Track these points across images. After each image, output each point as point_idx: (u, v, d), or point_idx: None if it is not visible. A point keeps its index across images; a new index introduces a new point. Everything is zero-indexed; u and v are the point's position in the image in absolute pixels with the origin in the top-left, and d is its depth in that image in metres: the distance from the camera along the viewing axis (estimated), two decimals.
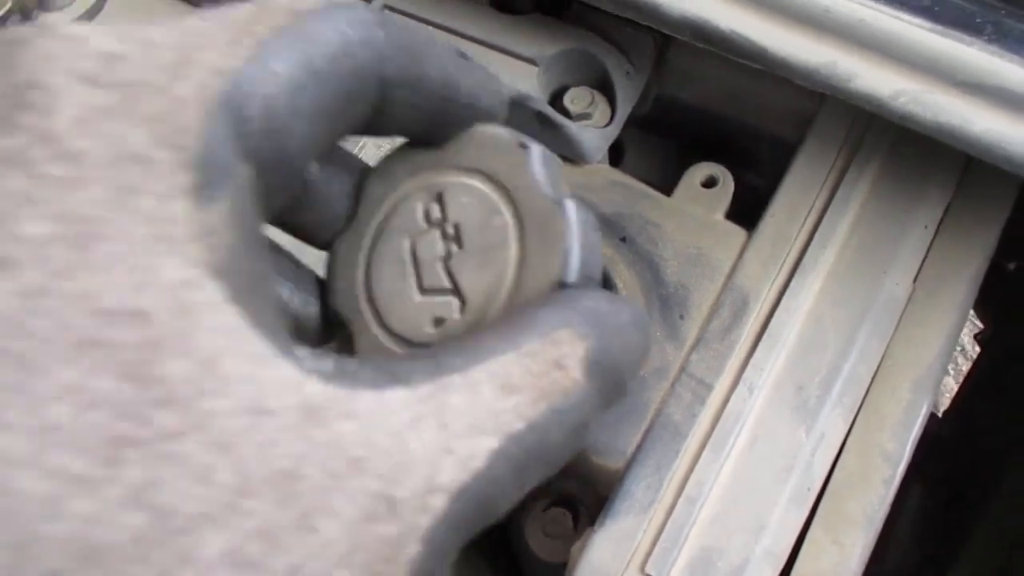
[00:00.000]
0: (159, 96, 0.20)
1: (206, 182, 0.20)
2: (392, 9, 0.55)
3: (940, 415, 0.99)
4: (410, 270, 0.29)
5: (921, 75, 0.40)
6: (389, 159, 0.31)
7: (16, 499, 0.16)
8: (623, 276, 0.47)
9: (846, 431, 0.47)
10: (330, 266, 0.32)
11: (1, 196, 0.18)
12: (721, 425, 0.45)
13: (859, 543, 0.46)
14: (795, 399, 0.46)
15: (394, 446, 0.19)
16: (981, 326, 0.92)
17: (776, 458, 0.45)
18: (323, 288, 0.32)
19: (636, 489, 0.45)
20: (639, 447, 0.46)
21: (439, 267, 0.29)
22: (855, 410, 0.47)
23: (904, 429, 0.48)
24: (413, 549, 0.19)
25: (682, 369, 0.47)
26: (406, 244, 0.29)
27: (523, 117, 0.52)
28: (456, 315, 0.28)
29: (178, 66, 0.21)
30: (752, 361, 0.46)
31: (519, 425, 0.22)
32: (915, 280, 0.51)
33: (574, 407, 0.23)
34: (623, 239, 0.50)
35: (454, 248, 0.28)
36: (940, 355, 0.49)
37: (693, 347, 0.47)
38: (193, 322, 0.18)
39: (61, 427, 0.17)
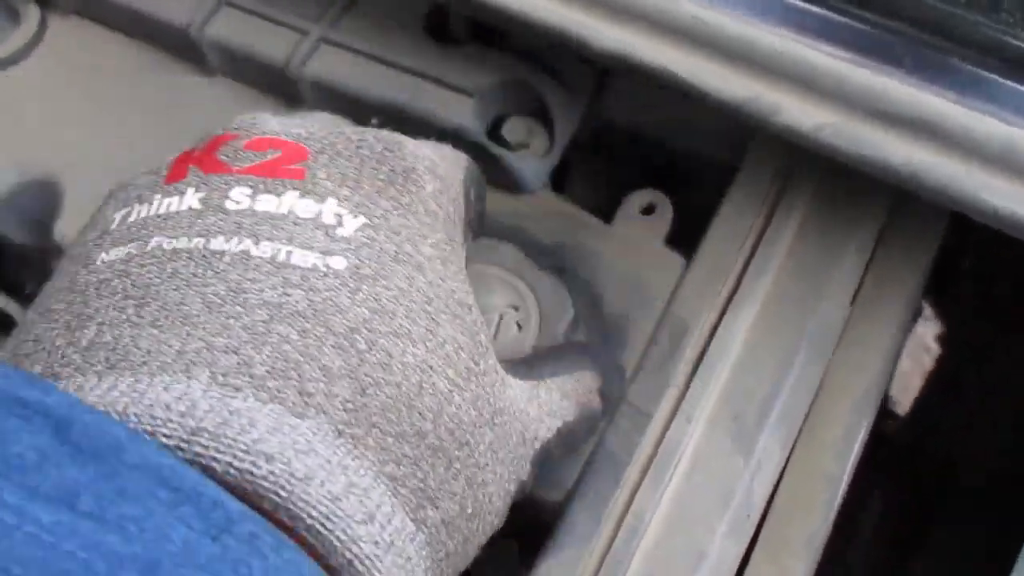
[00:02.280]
0: (452, 185, 0.37)
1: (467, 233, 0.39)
2: (327, 41, 0.55)
3: (902, 416, 1.01)
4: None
5: (842, 108, 0.41)
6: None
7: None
8: (553, 308, 0.47)
9: (785, 457, 0.47)
10: None
11: (404, 228, 0.33)
12: (660, 455, 0.46)
13: (801, 567, 0.47)
14: (733, 427, 0.47)
15: (524, 410, 0.36)
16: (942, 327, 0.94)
17: (715, 487, 0.45)
18: None
19: (576, 521, 0.45)
20: (579, 478, 0.46)
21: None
22: (794, 435, 0.48)
23: (845, 450, 0.48)
24: (528, 464, 0.36)
25: (625, 402, 0.47)
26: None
27: (461, 149, 0.52)
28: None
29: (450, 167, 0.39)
30: (690, 390, 0.47)
31: (569, 418, 0.39)
32: (852, 303, 0.51)
33: (592, 415, 0.41)
34: (561, 269, 0.50)
35: None
36: (879, 376, 0.50)
37: (632, 376, 0.48)
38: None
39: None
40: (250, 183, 0.33)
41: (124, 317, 0.29)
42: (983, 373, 0.82)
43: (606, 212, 0.54)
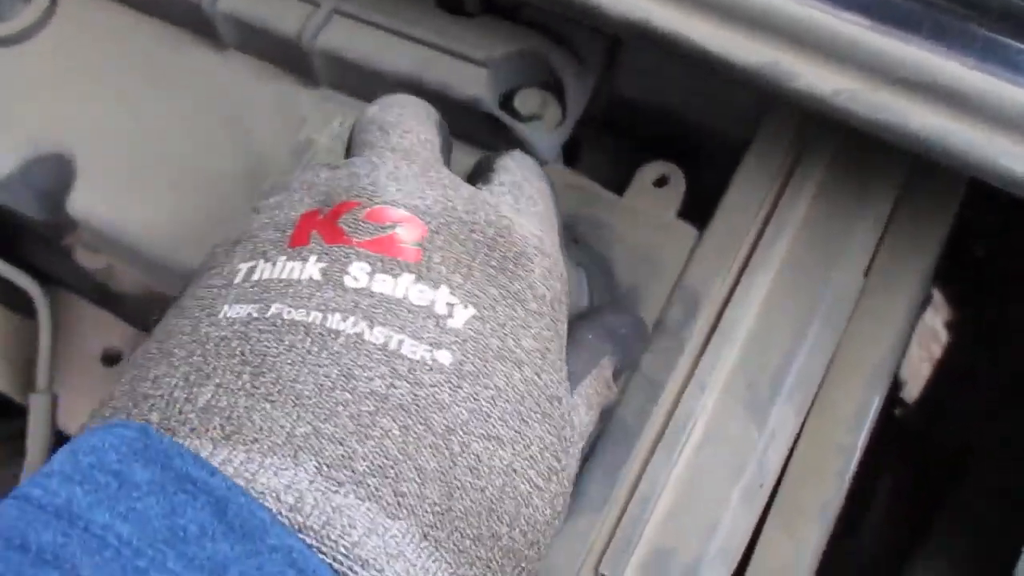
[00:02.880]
0: (558, 261, 0.38)
1: None
2: (340, 13, 0.55)
3: (911, 403, 1.00)
4: None
5: (860, 73, 0.40)
6: None
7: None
8: (573, 277, 0.47)
9: (798, 426, 0.47)
10: None
11: (510, 320, 0.34)
12: (673, 424, 0.46)
13: (813, 535, 0.47)
14: (746, 396, 0.46)
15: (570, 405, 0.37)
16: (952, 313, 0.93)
17: (728, 456, 0.45)
18: None
19: (590, 488, 0.45)
20: (593, 448, 0.46)
21: None
22: (807, 405, 0.48)
23: (858, 422, 0.48)
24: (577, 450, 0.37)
25: (635, 369, 0.47)
26: None
27: (473, 120, 0.52)
28: None
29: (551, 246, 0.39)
30: (703, 359, 0.47)
31: (592, 429, 0.39)
32: (866, 275, 0.51)
33: (608, 409, 0.44)
34: (575, 240, 0.50)
35: None
36: (892, 349, 0.50)
37: (645, 347, 0.47)
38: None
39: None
40: (369, 260, 0.34)
41: (240, 384, 0.30)
42: (998, 359, 0.82)
43: (618, 185, 0.54)
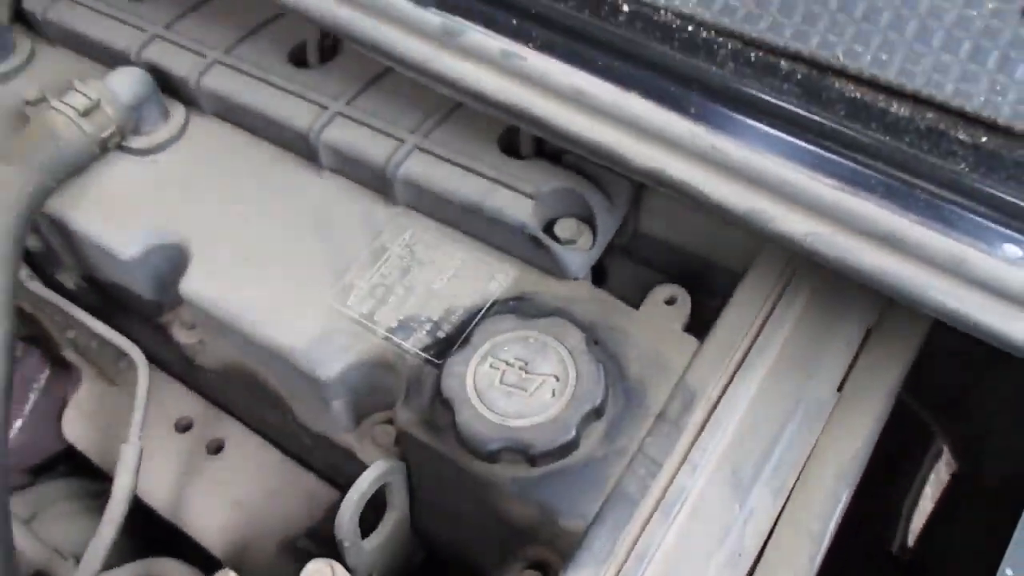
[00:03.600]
0: None
1: None
2: (420, 149, 0.68)
3: (911, 544, 1.06)
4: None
5: (824, 220, 0.52)
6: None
7: None
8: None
9: (776, 508, 0.56)
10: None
11: None
12: (668, 496, 0.55)
13: None
14: (731, 478, 0.55)
15: None
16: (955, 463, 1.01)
17: (713, 526, 0.54)
18: None
19: (595, 545, 0.53)
20: (599, 513, 0.55)
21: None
22: (785, 491, 0.56)
23: (827, 513, 0.57)
24: None
25: (639, 450, 0.57)
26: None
27: (522, 240, 0.65)
28: None
29: None
30: (696, 445, 0.56)
31: None
32: (839, 389, 0.61)
33: None
34: (596, 342, 0.61)
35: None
36: (859, 453, 0.59)
37: (648, 432, 0.57)
38: None
39: None
40: None
41: None
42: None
43: (635, 302, 0.65)
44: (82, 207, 0.75)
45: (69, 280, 0.86)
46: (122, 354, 0.79)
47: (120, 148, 0.77)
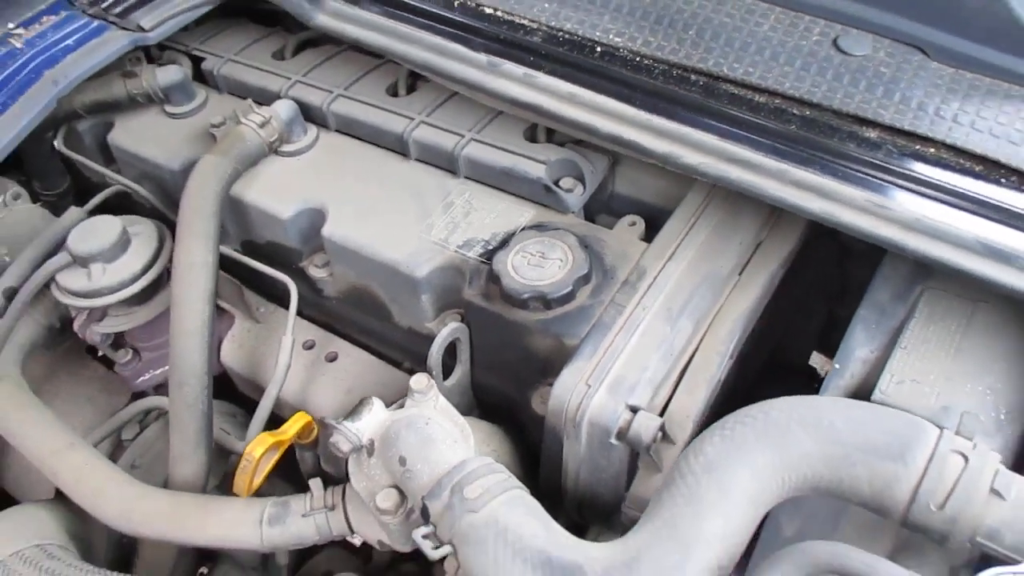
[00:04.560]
0: None
1: None
2: (475, 140, 1.09)
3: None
4: None
5: (712, 157, 0.91)
6: None
7: None
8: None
9: (693, 331, 0.93)
10: None
11: None
12: (627, 324, 0.92)
13: (703, 395, 0.91)
14: (666, 314, 0.93)
15: None
16: None
17: (654, 338, 0.91)
18: None
19: (585, 351, 0.91)
20: (587, 335, 0.92)
21: None
22: (701, 323, 0.94)
23: (728, 340, 0.94)
24: None
25: (611, 300, 0.95)
26: None
27: (539, 190, 1.04)
28: None
29: None
30: (645, 297, 0.94)
31: None
32: (740, 274, 0.99)
33: None
34: (585, 245, 0.99)
35: None
36: (749, 308, 0.96)
37: (617, 290, 0.95)
38: None
39: None
40: None
41: None
42: None
43: (610, 227, 1.04)
44: (254, 188, 1.15)
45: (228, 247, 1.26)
46: (262, 300, 1.18)
47: (276, 152, 1.18)
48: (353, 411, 0.89)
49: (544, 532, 0.77)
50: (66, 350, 1.36)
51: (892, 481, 0.72)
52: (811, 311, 1.24)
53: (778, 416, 0.77)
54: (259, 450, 0.92)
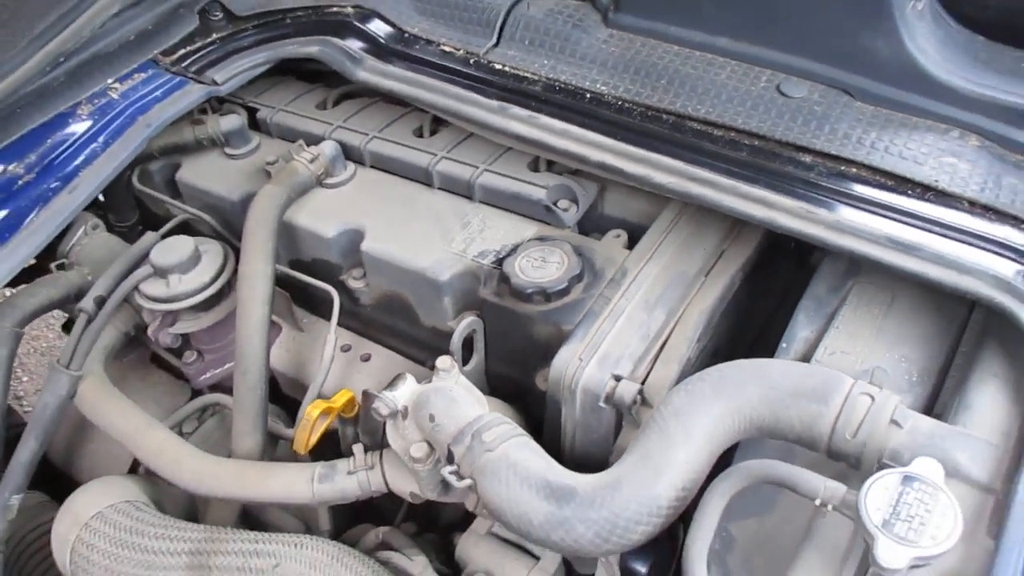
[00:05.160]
0: None
1: None
2: (488, 170, 1.32)
3: None
4: None
5: (676, 177, 1.13)
6: None
7: None
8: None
9: (666, 320, 1.14)
10: None
11: None
12: (612, 312, 1.13)
13: (675, 369, 1.11)
14: (644, 305, 1.14)
15: None
16: None
17: (634, 325, 1.12)
18: None
19: (577, 334, 1.12)
20: (579, 322, 1.13)
21: None
22: (672, 313, 1.15)
23: (696, 328, 1.15)
24: None
25: (600, 294, 1.16)
26: None
27: (540, 210, 1.27)
28: None
29: None
30: (627, 292, 1.15)
31: None
32: (706, 276, 1.20)
33: None
34: (579, 252, 1.21)
35: None
36: (714, 303, 1.17)
37: (604, 287, 1.17)
38: None
39: None
40: None
41: None
42: None
43: (598, 240, 1.26)
44: (302, 214, 1.38)
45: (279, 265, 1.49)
46: (305, 312, 1.40)
47: (321, 185, 1.42)
48: (390, 384, 1.10)
49: (546, 465, 0.97)
50: (133, 360, 1.58)
51: (817, 418, 0.92)
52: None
53: (730, 373, 0.98)
54: (315, 412, 1.13)
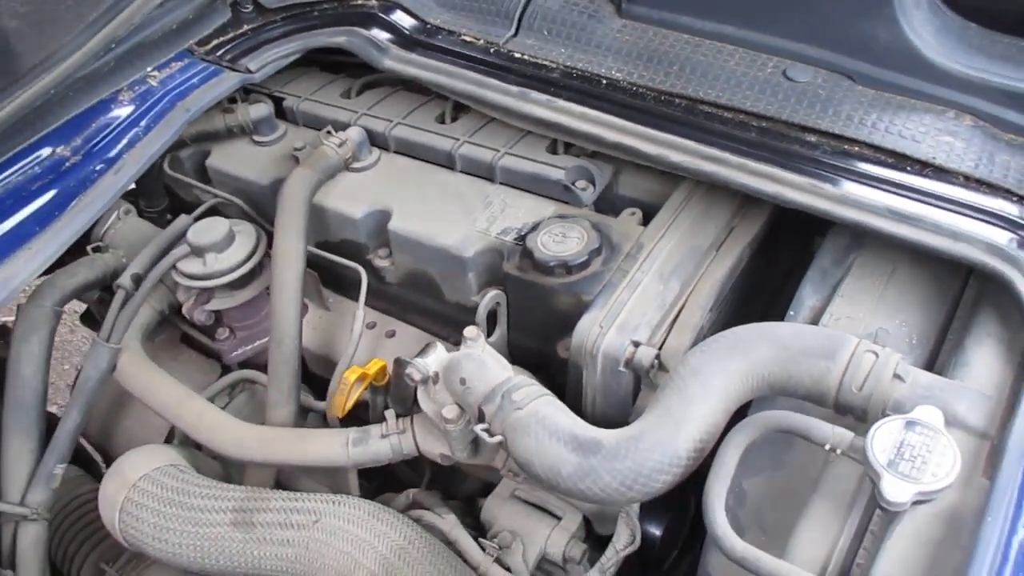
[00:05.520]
0: None
1: None
2: (508, 153, 1.39)
3: None
4: None
5: (689, 155, 1.20)
6: None
7: None
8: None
9: (680, 290, 1.21)
10: None
11: None
12: (630, 283, 1.20)
13: (689, 336, 1.18)
14: (659, 277, 1.21)
15: None
16: None
17: (650, 293, 1.19)
18: None
19: (598, 303, 1.19)
20: (599, 291, 1.20)
21: None
22: (686, 283, 1.22)
23: (708, 298, 1.22)
24: None
25: (617, 267, 1.23)
26: None
27: (560, 190, 1.34)
28: None
29: None
30: (643, 264, 1.22)
31: None
32: (717, 250, 1.27)
33: None
34: (597, 228, 1.28)
35: None
36: (724, 276, 1.24)
37: (622, 260, 1.24)
38: None
39: None
40: None
41: None
42: None
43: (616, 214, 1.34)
44: (331, 196, 1.45)
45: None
46: (331, 292, 1.47)
47: (348, 169, 1.48)
48: (421, 351, 1.17)
49: (571, 420, 1.04)
50: (163, 340, 1.65)
51: (825, 373, 0.99)
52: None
53: (744, 334, 1.05)
54: (352, 377, 1.20)
